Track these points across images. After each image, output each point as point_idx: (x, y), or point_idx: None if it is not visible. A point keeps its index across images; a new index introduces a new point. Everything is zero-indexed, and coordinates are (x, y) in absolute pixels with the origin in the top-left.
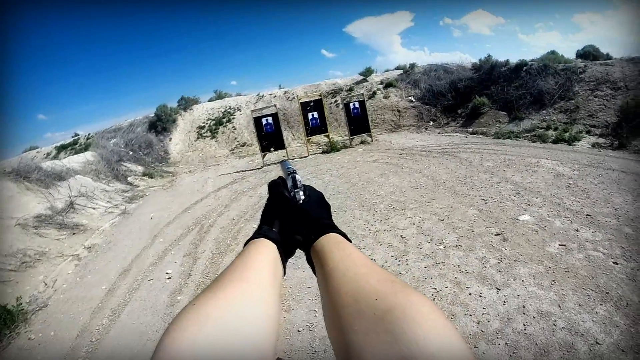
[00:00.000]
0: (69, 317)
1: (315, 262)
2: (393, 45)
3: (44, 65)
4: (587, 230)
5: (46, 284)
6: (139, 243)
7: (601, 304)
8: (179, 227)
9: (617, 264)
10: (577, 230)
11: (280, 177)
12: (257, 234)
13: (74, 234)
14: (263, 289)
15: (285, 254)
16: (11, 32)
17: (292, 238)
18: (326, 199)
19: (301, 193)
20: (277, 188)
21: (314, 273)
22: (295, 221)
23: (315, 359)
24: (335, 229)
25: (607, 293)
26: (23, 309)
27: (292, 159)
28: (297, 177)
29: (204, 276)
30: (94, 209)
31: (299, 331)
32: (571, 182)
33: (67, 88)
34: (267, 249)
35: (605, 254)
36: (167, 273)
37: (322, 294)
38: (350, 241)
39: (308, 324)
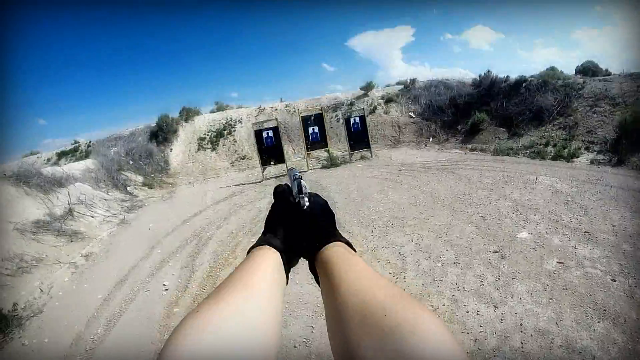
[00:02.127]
0: (63, 324)
1: (319, 271)
2: (394, 60)
3: (45, 69)
4: (585, 247)
5: (42, 290)
6: (137, 253)
7: (599, 321)
8: (177, 238)
9: (615, 280)
10: (575, 247)
11: (286, 184)
12: (261, 242)
13: (71, 241)
14: (265, 297)
15: (288, 262)
16: (10, 34)
17: (296, 245)
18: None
19: (306, 199)
20: (282, 194)
21: (317, 282)
22: (299, 228)
23: None
24: (340, 238)
25: (605, 310)
26: (18, 315)
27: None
28: (303, 182)
29: (201, 289)
30: (92, 217)
31: (295, 347)
32: (570, 199)
33: (69, 94)
34: (270, 257)
35: (603, 271)
36: (164, 284)
37: (327, 306)
38: (355, 250)
39: (305, 340)
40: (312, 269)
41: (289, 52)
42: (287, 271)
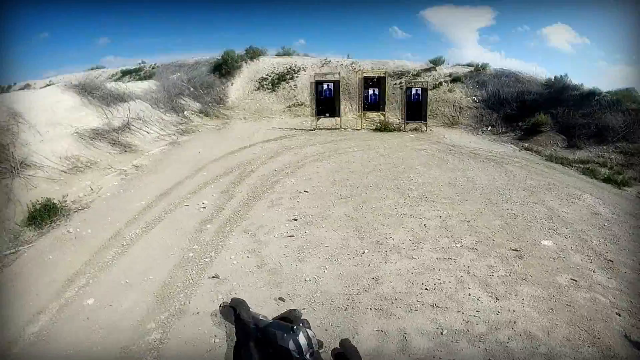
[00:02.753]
0: (106, 220)
1: None
2: (469, 41)
3: None
4: (604, 274)
5: (92, 189)
6: (183, 172)
7: (589, 346)
8: (222, 166)
9: (619, 315)
10: (594, 271)
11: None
12: None
13: (125, 151)
14: None
15: None
16: None
17: None
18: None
19: None
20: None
21: None
22: None
23: (314, 307)
24: None
25: (599, 339)
26: (66, 206)
27: (345, 129)
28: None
29: (235, 213)
30: (147, 133)
31: (305, 280)
32: (606, 224)
33: (135, 17)
34: None
35: (612, 303)
36: (203, 202)
37: None
38: None
39: (315, 277)
40: None
41: (360, 10)
42: None
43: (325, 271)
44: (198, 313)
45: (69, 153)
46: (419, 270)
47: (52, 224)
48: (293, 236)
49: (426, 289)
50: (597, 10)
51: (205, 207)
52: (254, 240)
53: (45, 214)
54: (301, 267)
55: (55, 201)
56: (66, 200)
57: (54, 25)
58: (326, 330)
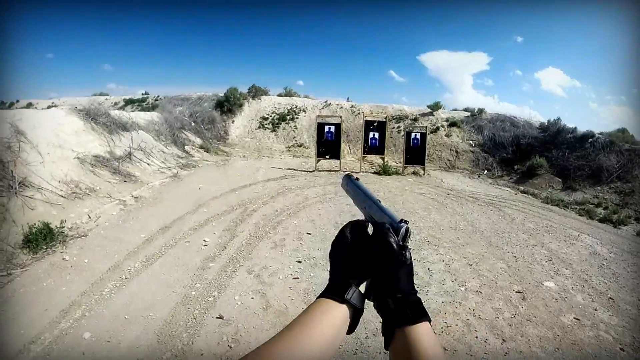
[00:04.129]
0: (105, 251)
1: (401, 347)
2: (464, 85)
3: (116, 19)
4: (606, 312)
5: (90, 217)
6: (184, 207)
7: None
8: (224, 203)
9: (623, 350)
10: (596, 310)
11: (366, 220)
12: (335, 294)
13: (125, 181)
14: (320, 352)
15: (359, 318)
16: None
17: (382, 303)
18: None
19: (409, 252)
20: (363, 235)
21: (386, 344)
22: (385, 285)
23: None
24: (428, 316)
25: None
26: (64, 232)
27: (344, 172)
28: (410, 227)
29: (238, 252)
30: (148, 165)
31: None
32: (605, 263)
33: (139, 47)
34: (338, 315)
35: (615, 339)
36: (204, 240)
37: None
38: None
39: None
40: (389, 333)
41: (359, 54)
42: (356, 324)
43: None
44: (202, 355)
45: (69, 178)
46: None
47: (48, 249)
48: (298, 278)
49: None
50: (588, 54)
51: (207, 245)
52: (259, 281)
53: (41, 238)
54: (310, 300)
55: (52, 226)
56: (64, 226)
57: (60, 47)
58: None
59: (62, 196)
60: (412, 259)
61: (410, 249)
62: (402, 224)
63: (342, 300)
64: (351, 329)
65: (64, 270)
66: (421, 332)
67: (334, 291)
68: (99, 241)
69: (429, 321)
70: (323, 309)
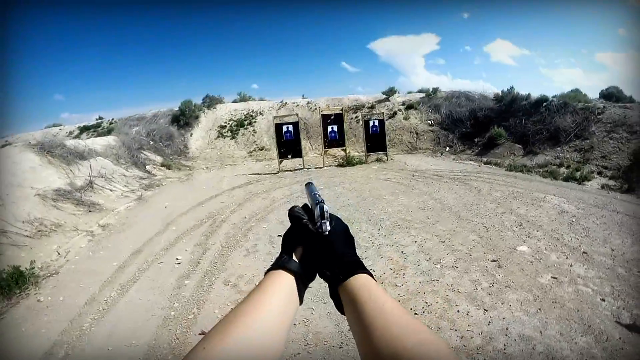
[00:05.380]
0: (79, 286)
1: (345, 304)
2: (416, 67)
3: (62, 47)
4: (581, 266)
5: (59, 254)
6: (152, 228)
7: (582, 336)
8: (192, 218)
9: (604, 300)
10: (571, 266)
11: (304, 205)
12: (277, 265)
13: (90, 211)
14: (273, 319)
15: (304, 285)
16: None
17: (314, 269)
18: (351, 232)
19: (327, 224)
20: (299, 218)
21: (337, 307)
22: (319, 253)
23: (308, 351)
24: (364, 269)
25: (590, 326)
26: (35, 273)
27: (308, 169)
28: (325, 207)
29: (212, 265)
30: (111, 191)
31: (295, 324)
32: (574, 220)
33: (87, 72)
34: (283, 281)
35: (595, 291)
36: (177, 259)
37: (359, 346)
38: (375, 280)
39: (304, 319)
40: (334, 296)
41: (310, 50)
42: (302, 292)
43: (313, 312)
44: None
45: (32, 216)
46: (406, 296)
47: (22, 293)
48: None
49: (416, 313)
50: (533, 22)
51: (180, 263)
52: (236, 291)
53: (13, 283)
54: None
55: (22, 269)
56: (34, 267)
57: (7, 84)
58: None
59: (28, 236)
60: (345, 228)
61: (329, 221)
62: (317, 205)
63: (279, 267)
64: (300, 296)
65: (41, 312)
66: (357, 283)
67: (273, 264)
68: (72, 276)
69: (369, 274)
70: (268, 281)
